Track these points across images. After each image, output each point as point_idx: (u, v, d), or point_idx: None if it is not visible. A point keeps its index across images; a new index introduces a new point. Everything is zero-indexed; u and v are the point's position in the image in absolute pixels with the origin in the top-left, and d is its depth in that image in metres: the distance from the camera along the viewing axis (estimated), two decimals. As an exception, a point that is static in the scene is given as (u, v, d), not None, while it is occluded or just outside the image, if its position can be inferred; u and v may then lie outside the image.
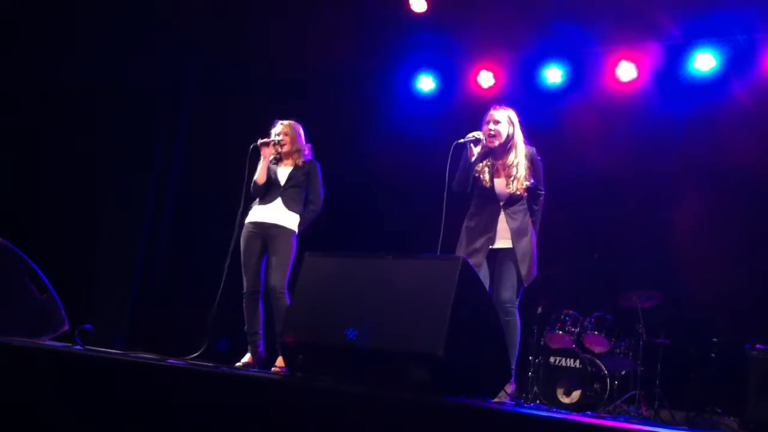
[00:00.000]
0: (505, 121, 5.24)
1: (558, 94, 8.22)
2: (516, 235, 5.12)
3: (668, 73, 7.79)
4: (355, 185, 8.50)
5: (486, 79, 8.53)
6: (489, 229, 5.17)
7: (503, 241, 5.15)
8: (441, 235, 4.85)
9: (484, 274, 5.04)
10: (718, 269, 6.96)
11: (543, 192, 5.29)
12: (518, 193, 5.15)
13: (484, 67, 8.54)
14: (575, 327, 7.19)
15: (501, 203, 5.20)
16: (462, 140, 5.17)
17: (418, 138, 8.63)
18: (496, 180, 5.23)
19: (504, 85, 8.48)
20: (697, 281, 7.04)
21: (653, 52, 7.86)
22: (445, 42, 8.60)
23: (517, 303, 5.06)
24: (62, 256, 7.65)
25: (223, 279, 5.41)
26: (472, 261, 4.98)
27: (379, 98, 8.95)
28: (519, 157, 5.19)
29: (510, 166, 5.19)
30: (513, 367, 4.94)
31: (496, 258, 5.15)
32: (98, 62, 8.50)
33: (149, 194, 8.85)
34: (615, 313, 7.18)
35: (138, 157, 8.87)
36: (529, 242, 5.13)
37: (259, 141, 5.86)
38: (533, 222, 5.24)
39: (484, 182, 5.23)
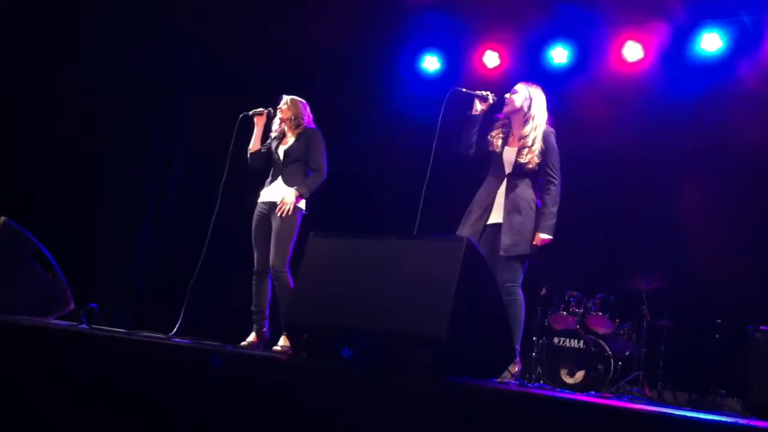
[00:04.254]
0: (523, 93, 5.16)
1: (564, 75, 8.17)
2: (509, 209, 5.00)
3: (675, 54, 7.74)
4: (361, 166, 8.47)
5: (491, 59, 8.48)
6: (486, 201, 5.09)
7: (498, 215, 5.05)
8: (422, 199, 4.74)
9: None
10: (723, 251, 6.95)
11: (557, 179, 5.09)
12: (529, 165, 5.02)
13: (489, 47, 8.50)
14: (579, 308, 7.21)
15: (506, 173, 5.09)
16: (464, 90, 5.11)
17: (423, 118, 8.59)
18: (506, 148, 5.14)
19: (510, 66, 8.43)
20: (701, 263, 7.03)
21: (660, 33, 7.80)
22: (450, 22, 8.54)
23: (519, 281, 4.95)
24: (66, 237, 7.66)
25: (202, 255, 5.34)
26: (469, 235, 4.93)
27: (384, 79, 8.91)
28: (537, 132, 5.06)
29: (525, 137, 5.07)
30: (517, 347, 4.93)
31: (490, 234, 5.04)
32: (99, 57, 8.45)
33: (153, 177, 8.85)
34: (619, 294, 7.20)
35: (141, 142, 8.86)
36: (522, 217, 4.98)
37: (252, 111, 5.88)
38: (546, 215, 5.00)
39: (495, 147, 5.14)
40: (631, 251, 7.47)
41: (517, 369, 4.95)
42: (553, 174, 5.11)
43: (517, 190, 5.05)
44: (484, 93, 5.15)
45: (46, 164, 8.45)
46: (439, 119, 4.91)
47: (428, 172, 4.79)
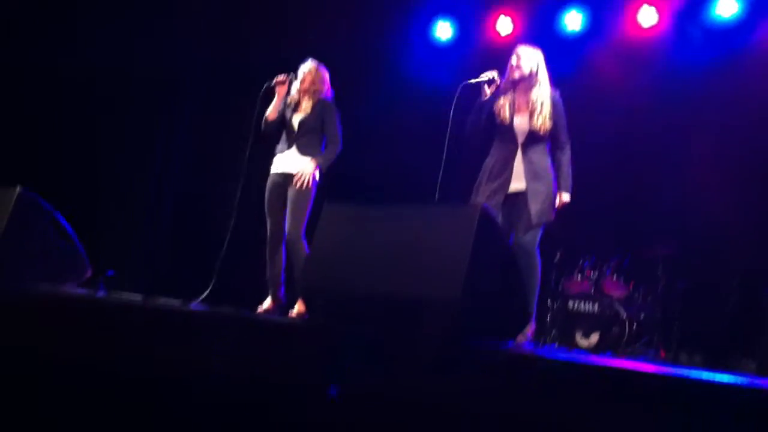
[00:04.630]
0: (529, 57, 5.15)
1: (578, 41, 8.13)
2: (530, 176, 5.03)
3: (690, 19, 7.68)
4: (373, 134, 8.46)
5: (505, 25, 8.44)
6: (504, 172, 5.08)
7: (518, 183, 5.06)
8: (438, 182, 4.85)
9: (500, 218, 5.01)
10: (739, 214, 6.92)
11: (568, 140, 5.17)
12: (541, 131, 5.05)
13: (502, 13, 8.45)
14: (594, 272, 7.22)
15: (519, 142, 5.09)
16: (472, 81, 5.10)
17: (435, 86, 8.58)
18: (516, 117, 5.12)
19: (523, 32, 8.37)
20: (717, 226, 7.01)
21: (675, -3, 7.75)
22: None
23: (537, 244, 5.01)
24: (80, 204, 7.65)
25: (232, 224, 5.49)
26: (489, 204, 4.95)
27: (397, 47, 8.87)
28: (543, 96, 5.08)
29: (534, 102, 5.08)
30: (534, 308, 5.00)
31: (512, 202, 5.07)
32: (100, 49, 8.37)
33: (159, 142, 8.85)
34: (634, 257, 7.19)
35: (148, 108, 8.83)
36: (544, 184, 5.04)
37: (274, 80, 5.89)
38: (563, 176, 5.13)
39: (503, 120, 5.12)
40: (646, 215, 7.44)
41: (531, 329, 5.02)
42: (565, 135, 5.17)
43: (534, 158, 5.07)
44: (489, 76, 5.13)
45: (53, 129, 8.39)
46: (451, 114, 4.96)
47: (445, 152, 4.84)
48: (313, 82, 5.95)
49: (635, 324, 6.93)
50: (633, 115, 7.64)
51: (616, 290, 7.18)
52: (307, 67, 6.00)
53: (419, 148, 8.64)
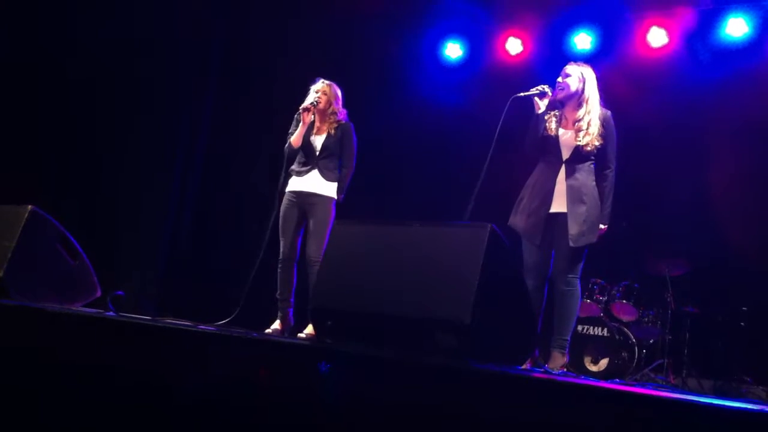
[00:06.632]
0: (575, 75, 5.02)
1: (588, 61, 8.08)
2: (572, 198, 4.89)
3: (700, 39, 7.68)
4: (382, 152, 8.47)
5: (514, 46, 8.45)
6: (545, 190, 4.95)
7: (559, 204, 4.93)
8: (473, 199, 4.66)
9: (539, 239, 4.91)
10: (748, 238, 6.89)
11: (613, 166, 5.02)
12: (587, 148, 4.89)
13: (512, 33, 8.47)
14: (603, 296, 7.18)
15: (564, 158, 4.95)
16: (522, 94, 4.92)
17: (445, 105, 8.59)
18: (562, 131, 4.99)
19: (533, 52, 8.39)
20: (726, 249, 6.98)
21: (685, 18, 7.74)
22: (473, 8, 8.52)
23: (579, 272, 4.90)
24: (89, 223, 7.67)
25: (263, 248, 5.56)
26: (528, 223, 4.88)
27: (407, 66, 8.89)
28: (591, 114, 4.94)
29: (580, 120, 4.94)
30: (568, 338, 4.89)
31: (553, 223, 4.93)
32: (120, 21, 8.36)
33: (177, 160, 8.84)
34: (643, 281, 7.16)
35: (164, 123, 8.81)
36: (586, 206, 4.88)
37: (302, 107, 5.91)
38: (603, 203, 4.98)
39: (549, 131, 4.98)
40: (655, 236, 7.41)
41: (565, 361, 4.92)
42: (611, 160, 5.03)
43: (578, 176, 4.94)
44: (540, 89, 4.98)
45: (64, 146, 8.37)
46: (499, 127, 4.71)
47: (485, 167, 4.62)
48: (328, 102, 5.98)
49: (644, 349, 6.90)
50: (643, 136, 7.61)
51: (625, 314, 7.15)
52: (320, 86, 6.02)
53: (428, 166, 8.67)
